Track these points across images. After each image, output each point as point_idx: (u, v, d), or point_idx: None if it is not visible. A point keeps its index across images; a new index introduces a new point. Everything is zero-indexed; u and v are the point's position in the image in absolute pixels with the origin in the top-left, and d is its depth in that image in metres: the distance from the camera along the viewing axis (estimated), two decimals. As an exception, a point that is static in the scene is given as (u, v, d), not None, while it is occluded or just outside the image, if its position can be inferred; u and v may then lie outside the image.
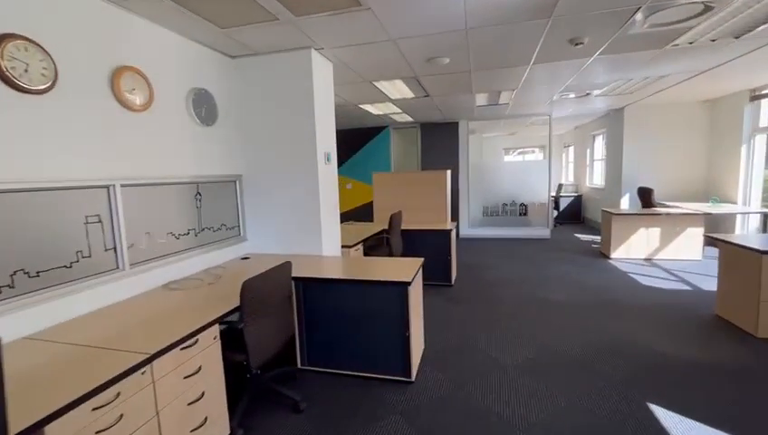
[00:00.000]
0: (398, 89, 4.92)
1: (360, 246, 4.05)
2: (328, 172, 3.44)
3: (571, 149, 11.21)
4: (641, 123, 7.03)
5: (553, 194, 9.59)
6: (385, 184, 5.45)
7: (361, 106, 5.98)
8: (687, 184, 6.94)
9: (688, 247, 5.52)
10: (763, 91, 5.65)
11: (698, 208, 5.61)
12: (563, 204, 9.89)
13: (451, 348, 3.12)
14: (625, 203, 7.29)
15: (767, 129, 5.75)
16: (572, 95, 5.78)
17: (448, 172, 5.49)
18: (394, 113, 6.87)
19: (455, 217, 8.01)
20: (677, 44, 3.47)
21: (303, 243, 3.35)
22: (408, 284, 2.42)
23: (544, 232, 7.82)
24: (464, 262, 6.01)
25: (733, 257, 3.32)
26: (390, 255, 4.22)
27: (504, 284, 4.82)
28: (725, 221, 6.20)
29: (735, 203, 6.08)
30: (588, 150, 9.49)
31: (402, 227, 4.64)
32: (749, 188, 5.97)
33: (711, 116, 6.68)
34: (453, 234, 4.97)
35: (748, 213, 5.73)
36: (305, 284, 2.66)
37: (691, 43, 3.44)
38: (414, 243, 4.73)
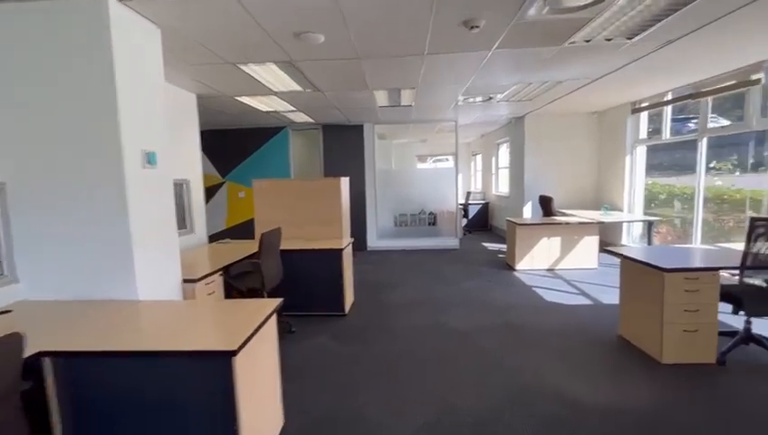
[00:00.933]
0: (279, 78, 4.05)
1: (218, 278, 3.07)
2: (150, 179, 2.42)
3: (479, 157, 11.37)
4: (540, 132, 7.11)
5: (462, 202, 9.50)
6: (268, 193, 4.50)
7: (240, 99, 4.96)
8: (582, 192, 7.17)
9: (586, 256, 5.53)
10: (642, 105, 5.96)
11: (593, 217, 5.68)
12: (472, 212, 9.87)
13: (325, 419, 2.32)
14: (528, 211, 7.32)
15: (646, 140, 6.08)
16: (476, 100, 5.48)
17: (345, 180, 4.75)
18: (288, 111, 5.96)
19: (360, 228, 7.34)
20: (574, 42, 3.18)
21: (107, 283, 2.28)
22: (233, 354, 1.56)
23: (453, 242, 7.53)
24: (367, 280, 5.31)
25: (634, 274, 3.08)
26: (262, 285, 3.30)
27: (407, 307, 4.20)
28: (615, 228, 6.44)
29: (622, 211, 6.35)
30: (493, 159, 9.59)
31: (283, 247, 3.76)
32: (632, 196, 6.27)
33: (599, 127, 6.98)
34: (348, 252, 4.22)
35: (633, 221, 5.96)
36: (66, 361, 1.64)
37: (588, 41, 3.17)
38: (297, 266, 3.87)
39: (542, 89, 4.89)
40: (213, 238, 7.48)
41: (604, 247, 6.42)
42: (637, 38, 3.11)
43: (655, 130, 5.99)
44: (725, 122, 4.95)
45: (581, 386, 2.56)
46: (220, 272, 3.09)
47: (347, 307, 4.04)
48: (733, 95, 4.47)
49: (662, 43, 3.31)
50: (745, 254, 2.59)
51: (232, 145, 7.56)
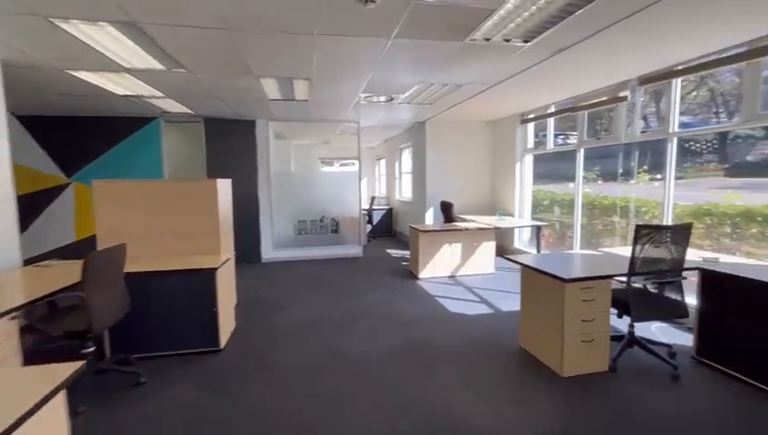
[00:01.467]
0: (126, 48, 3.12)
1: (6, 324, 2.09)
2: None
3: (383, 161, 11.26)
4: (441, 139, 7.15)
5: (366, 208, 9.20)
6: (116, 198, 3.47)
7: (77, 74, 3.81)
8: (479, 198, 7.40)
9: (484, 261, 5.60)
10: (530, 116, 6.33)
11: (490, 223, 5.80)
12: (376, 217, 9.64)
13: None
14: (430, 217, 7.29)
15: (533, 149, 6.48)
16: (379, 99, 5.15)
17: (225, 182, 3.96)
18: (154, 97, 4.86)
19: (252, 238, 6.47)
20: (475, 39, 2.99)
21: None
22: None
23: (357, 250, 7.12)
24: (256, 299, 4.54)
25: (534, 283, 2.99)
26: (89, 327, 2.39)
27: (300, 330, 3.60)
28: (508, 233, 6.74)
29: (513, 216, 6.67)
30: (397, 163, 9.51)
31: (133, 269, 2.85)
32: (522, 202, 6.64)
33: (493, 136, 7.29)
34: (227, 270, 3.46)
35: (524, 226, 6.28)
36: None
37: (488, 39, 3.01)
38: (153, 293, 2.98)
39: (442, 92, 4.76)
40: (60, 253, 5.85)
41: (502, 253, 6.69)
42: (533, 41, 3.05)
43: (540, 141, 6.42)
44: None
45: (489, 415, 2.29)
46: (12, 314, 2.11)
47: (223, 339, 3.27)
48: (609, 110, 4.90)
49: (553, 51, 3.34)
50: (633, 260, 2.63)
51: (82, 137, 6.02)
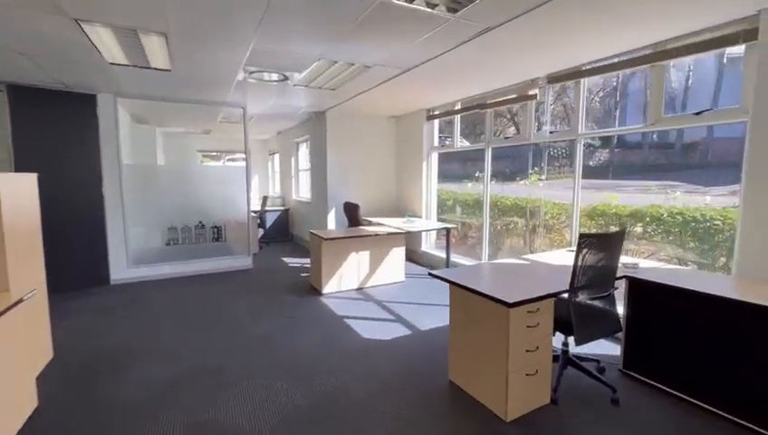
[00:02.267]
0: None
1: None
2: None
3: (277, 156, 10.05)
4: (343, 133, 6.41)
5: (258, 209, 7.98)
6: None
7: None
8: (384, 199, 6.89)
9: (394, 269, 5.06)
10: (435, 112, 6.03)
11: (399, 226, 5.29)
12: (270, 220, 8.46)
13: None
14: (332, 219, 6.51)
15: (438, 148, 6.20)
16: (270, 77, 4.15)
17: (15, 180, 2.59)
18: None
19: (94, 253, 4.84)
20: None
21: None
22: None
23: (246, 261, 5.95)
24: (89, 350, 3.17)
25: (466, 305, 2.46)
26: None
27: (149, 406, 2.46)
28: (416, 235, 6.36)
29: (421, 217, 6.31)
30: (293, 159, 8.46)
31: None
32: (429, 202, 6.33)
33: (397, 132, 6.85)
34: (14, 317, 2.16)
35: (434, 229, 5.94)
36: None
37: (410, 0, 2.37)
38: None
39: (347, 74, 4.02)
40: None
41: (411, 258, 6.28)
42: (460, 12, 2.52)
43: (445, 139, 6.18)
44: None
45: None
46: None
47: (5, 436, 2.00)
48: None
49: (476, 32, 2.88)
50: (575, 271, 2.27)
51: None
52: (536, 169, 6.59)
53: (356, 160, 6.56)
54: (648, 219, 4.02)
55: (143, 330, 3.58)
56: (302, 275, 5.59)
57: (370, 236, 4.75)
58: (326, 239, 4.43)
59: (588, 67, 3.61)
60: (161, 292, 4.76)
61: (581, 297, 2.37)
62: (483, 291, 2.23)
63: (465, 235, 6.36)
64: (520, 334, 2.17)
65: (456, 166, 6.43)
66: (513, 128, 6.50)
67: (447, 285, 2.58)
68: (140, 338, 3.39)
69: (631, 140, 4.78)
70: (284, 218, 8.70)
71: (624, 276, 2.64)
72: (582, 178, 3.90)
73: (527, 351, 2.22)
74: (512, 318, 2.12)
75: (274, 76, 4.12)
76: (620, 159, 5.06)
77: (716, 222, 3.47)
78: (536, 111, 4.40)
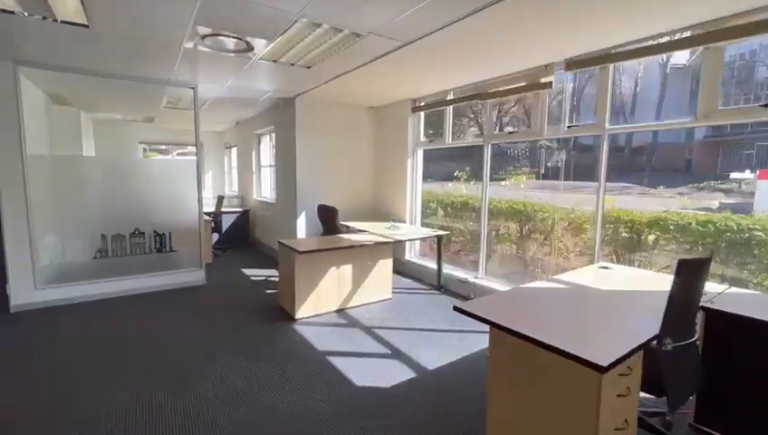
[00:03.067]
0: None
1: None
2: None
3: (234, 150, 8.91)
4: (315, 124, 5.55)
5: (212, 211, 6.89)
6: None
7: None
8: (362, 201, 6.10)
9: (381, 285, 4.30)
10: (421, 103, 5.34)
11: (384, 233, 4.54)
12: (227, 223, 7.37)
13: None
14: (302, 224, 5.62)
15: (426, 143, 5.52)
16: (227, 46, 3.23)
17: None
18: None
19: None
20: None
21: None
22: None
23: (197, 276, 4.93)
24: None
25: (522, 361, 1.76)
26: None
27: None
28: (400, 244, 5.63)
29: (405, 221, 5.60)
30: (253, 153, 7.42)
31: None
32: (414, 205, 5.63)
33: (378, 125, 6.08)
34: None
35: (427, 238, 5.23)
36: None
37: None
38: None
39: (330, 46, 3.20)
40: None
41: (404, 274, 5.36)
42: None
43: (435, 133, 5.51)
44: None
45: None
46: None
47: None
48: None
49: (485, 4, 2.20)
50: (670, 308, 1.65)
51: None
52: (510, 168, 6.17)
53: (329, 156, 5.72)
54: (671, 228, 3.57)
55: (41, 382, 2.55)
56: (268, 291, 4.68)
57: (354, 247, 3.95)
58: (301, 253, 3.58)
59: (620, 50, 3.06)
60: (82, 321, 3.67)
61: (670, 344, 1.76)
62: (562, 347, 1.52)
63: (448, 240, 5.73)
64: (610, 407, 1.51)
65: (435, 165, 5.83)
66: (477, 128, 6.05)
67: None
68: (35, 397, 2.38)
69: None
70: (243, 221, 7.64)
71: (701, 307, 2.08)
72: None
73: (615, 429, 1.56)
74: (604, 386, 1.45)
75: (233, 44, 3.20)
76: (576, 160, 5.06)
77: (757, 233, 3.05)
78: (552, 102, 3.82)
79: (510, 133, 4.34)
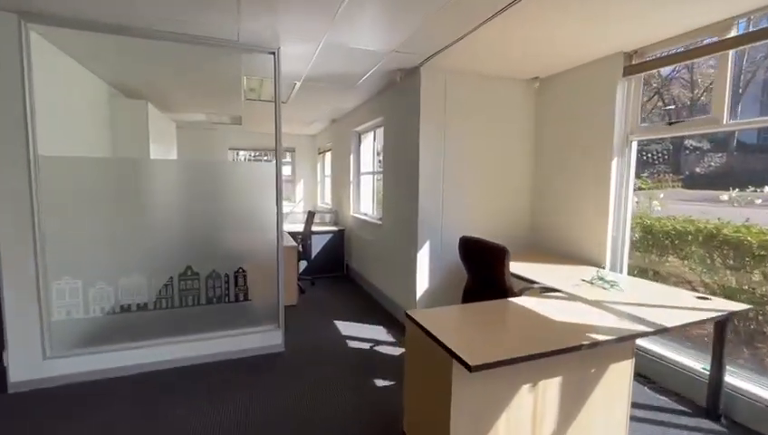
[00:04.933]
0: None
1: None
2: None
3: (329, 155, 7.43)
4: (451, 104, 3.57)
5: (299, 231, 5.35)
6: None
7: None
8: (517, 227, 3.93)
9: (609, 413, 2.07)
10: (645, 59, 2.99)
11: (594, 296, 2.30)
12: (317, 245, 5.79)
13: None
14: (425, 257, 3.64)
15: (654, 127, 3.13)
16: None
17: None
18: None
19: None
20: None
21: None
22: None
23: (272, 338, 3.25)
24: None
25: None
26: None
27: None
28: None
29: (604, 267, 3.26)
30: (352, 157, 5.74)
31: None
32: (621, 238, 3.25)
33: (546, 107, 3.86)
34: None
35: (696, 322, 2.85)
36: None
37: None
38: None
39: None
40: None
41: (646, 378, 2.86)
42: None
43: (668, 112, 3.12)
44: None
45: None
46: None
47: None
48: None
49: None
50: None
51: None
52: (644, 174, 3.44)
53: (469, 156, 3.68)
54: None
55: None
56: (380, 384, 2.76)
57: (574, 348, 1.77)
58: (474, 368, 1.52)
59: None
60: (98, 407, 2.16)
61: None
62: None
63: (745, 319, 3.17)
64: None
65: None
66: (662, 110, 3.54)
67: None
68: None
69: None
70: (337, 243, 5.99)
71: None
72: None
73: None
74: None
75: None
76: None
77: None
78: None
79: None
